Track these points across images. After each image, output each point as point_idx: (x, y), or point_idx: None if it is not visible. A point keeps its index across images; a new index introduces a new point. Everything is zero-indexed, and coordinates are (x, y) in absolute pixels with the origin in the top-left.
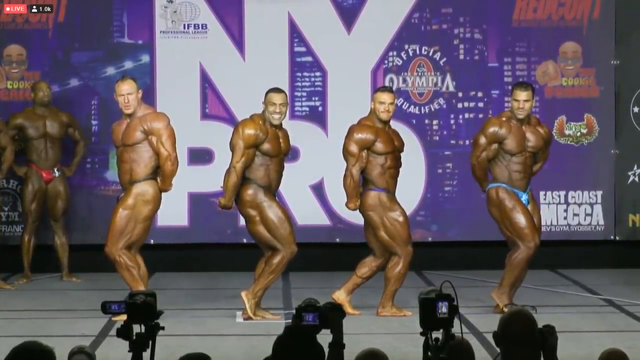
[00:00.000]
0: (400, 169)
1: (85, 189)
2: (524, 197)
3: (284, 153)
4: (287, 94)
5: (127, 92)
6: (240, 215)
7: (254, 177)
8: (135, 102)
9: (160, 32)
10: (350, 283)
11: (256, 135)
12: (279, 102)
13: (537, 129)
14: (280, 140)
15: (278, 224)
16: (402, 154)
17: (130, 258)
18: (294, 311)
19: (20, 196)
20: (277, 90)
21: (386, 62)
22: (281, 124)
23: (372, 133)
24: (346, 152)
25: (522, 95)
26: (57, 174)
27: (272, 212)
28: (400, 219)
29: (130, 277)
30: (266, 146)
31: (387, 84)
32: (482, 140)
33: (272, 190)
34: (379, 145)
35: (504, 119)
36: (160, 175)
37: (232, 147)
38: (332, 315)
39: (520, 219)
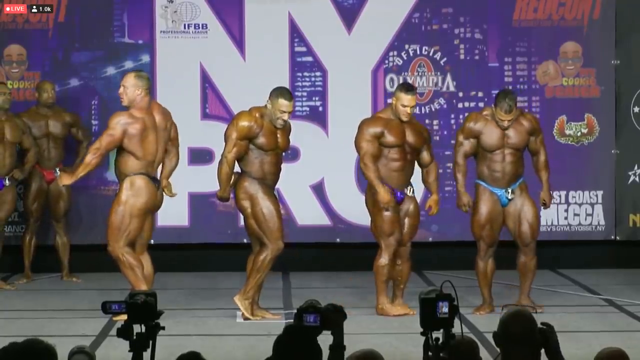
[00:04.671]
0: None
1: (86, 189)
2: (502, 194)
3: (282, 149)
4: None
5: (122, 83)
6: (241, 215)
7: (249, 170)
8: (131, 97)
9: (161, 32)
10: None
11: (250, 128)
12: (288, 111)
13: (521, 122)
14: (278, 136)
15: (268, 217)
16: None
17: (134, 257)
18: (294, 311)
19: (21, 196)
20: (288, 97)
21: (386, 62)
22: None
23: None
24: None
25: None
26: (58, 174)
27: (264, 205)
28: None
29: (133, 276)
30: (260, 140)
31: (387, 84)
32: (460, 136)
33: (267, 183)
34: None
35: (484, 112)
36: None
37: (226, 138)
38: (333, 317)
39: (476, 217)
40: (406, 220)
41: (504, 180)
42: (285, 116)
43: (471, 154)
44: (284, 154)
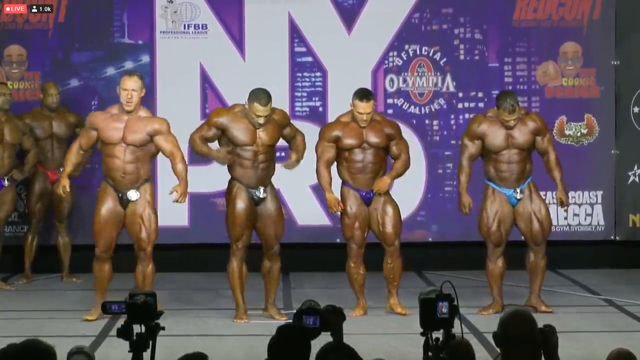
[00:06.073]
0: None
1: (89, 190)
2: (511, 195)
3: (267, 144)
4: (272, 96)
5: (131, 88)
6: None
7: (232, 172)
8: (137, 100)
9: (161, 32)
10: None
11: (216, 121)
12: (264, 115)
13: (526, 122)
14: (260, 132)
15: (237, 214)
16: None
17: None
18: (294, 311)
19: (23, 196)
20: (264, 102)
21: (386, 62)
22: (274, 110)
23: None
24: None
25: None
26: None
27: (237, 204)
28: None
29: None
30: (233, 133)
31: (387, 84)
32: (465, 139)
33: (247, 182)
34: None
35: (489, 114)
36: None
37: None
38: (333, 318)
39: (483, 217)
40: (386, 220)
41: (511, 180)
42: (262, 120)
43: (477, 156)
44: (273, 147)
